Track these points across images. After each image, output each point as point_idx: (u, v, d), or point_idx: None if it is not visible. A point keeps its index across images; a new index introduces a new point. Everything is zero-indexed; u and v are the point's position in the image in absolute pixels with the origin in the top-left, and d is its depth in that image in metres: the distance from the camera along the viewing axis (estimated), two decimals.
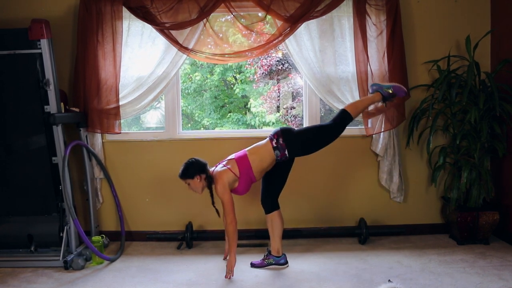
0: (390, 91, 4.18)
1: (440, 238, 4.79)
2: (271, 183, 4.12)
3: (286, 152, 3.93)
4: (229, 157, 4.06)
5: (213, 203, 4.04)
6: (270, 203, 4.13)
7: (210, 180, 3.98)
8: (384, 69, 4.66)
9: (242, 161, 3.95)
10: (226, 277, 3.87)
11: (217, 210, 4.05)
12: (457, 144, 4.58)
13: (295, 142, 3.96)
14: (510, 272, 3.84)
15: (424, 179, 4.96)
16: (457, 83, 4.49)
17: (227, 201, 3.88)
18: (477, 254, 4.31)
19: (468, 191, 4.57)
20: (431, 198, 4.97)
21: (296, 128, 4.08)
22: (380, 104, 4.35)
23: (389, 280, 3.39)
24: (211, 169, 4.04)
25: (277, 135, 3.97)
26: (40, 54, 4.13)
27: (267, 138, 4.03)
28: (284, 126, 4.04)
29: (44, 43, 4.11)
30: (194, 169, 3.97)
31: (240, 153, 4.04)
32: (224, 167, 3.95)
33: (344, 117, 4.07)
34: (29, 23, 4.12)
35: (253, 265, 4.16)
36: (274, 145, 3.94)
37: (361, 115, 4.67)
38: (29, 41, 4.11)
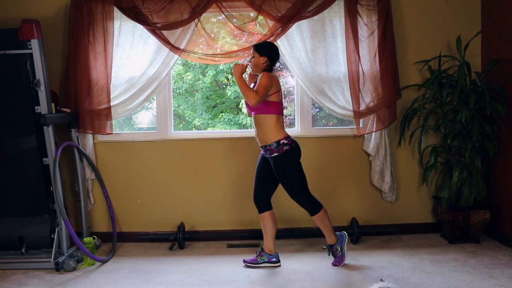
0: (337, 253, 4.09)
1: (432, 237, 4.81)
2: (264, 183, 4.12)
3: (274, 154, 3.92)
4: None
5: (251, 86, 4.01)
6: (263, 203, 4.13)
7: (269, 69, 3.99)
8: (375, 69, 4.67)
9: (278, 106, 3.96)
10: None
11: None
12: (448, 144, 4.61)
13: (286, 162, 3.94)
14: (500, 271, 3.87)
15: (415, 179, 4.97)
16: (448, 83, 4.51)
17: (263, 89, 3.81)
18: (468, 253, 4.33)
19: (459, 190, 4.60)
20: (423, 197, 4.99)
21: (299, 161, 4.00)
22: (324, 246, 4.21)
23: (381, 280, 3.39)
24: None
25: (290, 142, 3.93)
26: (31, 54, 4.10)
27: (287, 134, 3.98)
28: (299, 147, 4.01)
29: (34, 44, 4.08)
30: (272, 52, 4.01)
31: (282, 106, 4.03)
32: (278, 80, 3.96)
33: (314, 205, 4.05)
34: (19, 23, 4.09)
35: (245, 262, 4.16)
36: (280, 142, 3.90)
37: (352, 114, 4.70)
38: (19, 42, 4.08)
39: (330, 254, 4.16)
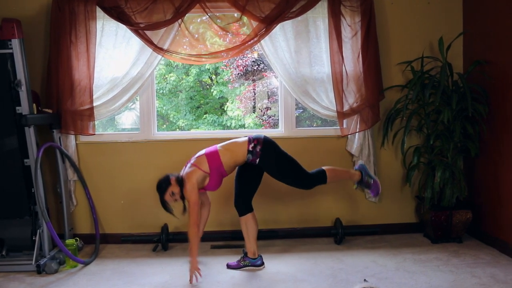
0: (370, 181, 4.19)
1: (415, 237, 4.84)
2: (245, 186, 4.10)
3: (257, 161, 3.92)
4: (200, 153, 4.01)
5: (184, 209, 4.00)
6: (243, 206, 4.10)
7: (180, 184, 3.89)
8: (359, 70, 4.69)
9: (213, 158, 3.92)
10: (190, 282, 3.78)
11: (184, 207, 4.00)
12: (431, 144, 4.64)
13: (270, 158, 3.95)
14: (482, 270, 3.91)
15: (398, 179, 5.01)
16: (430, 83, 4.55)
17: (193, 202, 3.83)
18: (451, 252, 4.37)
19: (442, 190, 4.63)
20: (406, 197, 5.02)
21: (279, 146, 4.02)
22: (353, 184, 4.32)
23: (364, 280, 3.41)
24: (181, 172, 4.00)
25: (257, 141, 3.94)
26: (11, 54, 4.05)
27: (246, 138, 4.00)
28: (268, 137, 4.02)
29: (15, 43, 4.03)
30: (162, 185, 3.91)
31: (211, 148, 4.00)
32: (193, 167, 3.92)
33: (320, 177, 4.07)
34: None
35: (229, 267, 4.14)
36: (250, 149, 3.92)
37: (336, 115, 4.72)
38: (0, 41, 4.03)
39: (364, 188, 4.33)
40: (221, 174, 3.96)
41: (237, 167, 4.12)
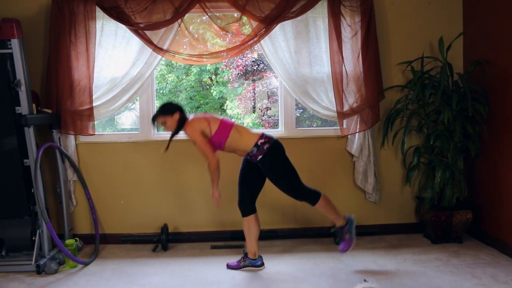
0: (347, 236, 4.07)
1: (415, 238, 4.84)
2: (249, 187, 4.09)
3: (259, 157, 3.90)
4: (218, 116, 4.07)
5: (167, 147, 4.02)
6: (247, 207, 4.09)
7: (182, 123, 3.94)
8: (359, 70, 4.69)
9: (224, 128, 3.93)
10: (218, 206, 4.06)
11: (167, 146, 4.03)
12: (431, 144, 4.64)
13: (272, 160, 3.92)
14: (482, 270, 3.90)
15: (398, 179, 5.00)
16: (430, 84, 4.54)
17: (200, 142, 3.86)
18: (451, 252, 4.37)
19: (442, 190, 4.63)
20: (406, 198, 5.01)
21: (285, 154, 3.99)
22: (333, 228, 4.26)
23: (364, 280, 3.40)
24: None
25: (268, 139, 3.91)
26: (11, 54, 4.05)
27: (260, 132, 4.01)
28: (280, 142, 4.00)
29: (15, 43, 4.03)
30: (177, 105, 3.99)
31: (228, 121, 4.02)
32: (203, 118, 3.96)
33: (312, 196, 4.01)
34: None
35: (229, 267, 4.14)
36: (258, 143, 3.89)
37: (336, 115, 4.71)
38: None
39: (338, 238, 4.16)
40: (219, 144, 3.95)
41: (241, 167, 4.11)
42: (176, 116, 3.94)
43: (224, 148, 3.98)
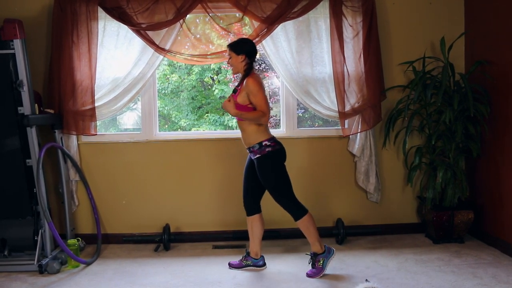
0: (318, 264, 3.89)
1: (416, 238, 4.84)
2: (253, 185, 4.07)
3: (257, 156, 3.85)
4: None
5: (234, 90, 3.89)
6: (252, 206, 4.09)
7: (248, 70, 3.83)
8: (360, 70, 4.69)
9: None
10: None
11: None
12: (433, 145, 4.64)
13: (269, 163, 3.85)
14: (484, 270, 3.90)
15: (400, 179, 5.00)
16: (432, 84, 4.55)
17: (262, 94, 3.75)
18: (453, 252, 4.37)
19: (444, 190, 4.63)
20: (407, 198, 5.02)
21: (284, 164, 3.92)
22: (308, 252, 4.04)
23: (366, 280, 3.41)
24: None
25: (274, 143, 3.85)
26: (13, 54, 4.06)
27: (272, 135, 3.90)
28: (285, 151, 3.93)
29: (17, 44, 4.04)
30: (249, 47, 3.88)
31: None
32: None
33: (299, 209, 3.92)
34: (1, 23, 4.05)
35: (230, 266, 4.14)
36: (262, 143, 3.82)
37: (338, 115, 4.71)
38: (1, 42, 4.04)
39: (310, 263, 3.96)
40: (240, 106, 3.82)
41: (245, 166, 4.07)
42: (240, 57, 3.83)
43: (239, 115, 3.83)
